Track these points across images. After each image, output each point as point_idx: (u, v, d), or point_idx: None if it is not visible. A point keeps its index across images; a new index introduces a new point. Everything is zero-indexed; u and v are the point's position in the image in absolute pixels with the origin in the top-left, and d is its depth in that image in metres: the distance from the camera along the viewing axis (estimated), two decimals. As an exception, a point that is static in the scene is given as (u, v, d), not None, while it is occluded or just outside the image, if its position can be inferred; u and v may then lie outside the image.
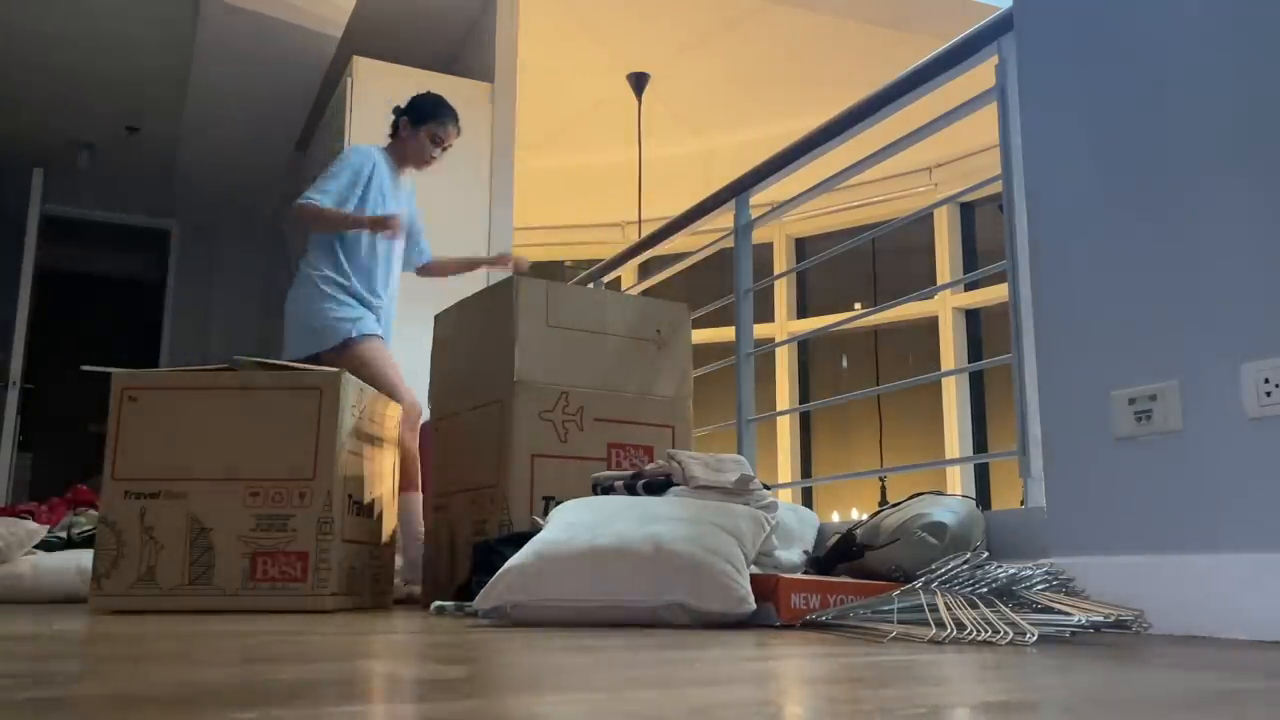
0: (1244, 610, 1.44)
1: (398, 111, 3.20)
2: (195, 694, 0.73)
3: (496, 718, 0.63)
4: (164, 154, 6.06)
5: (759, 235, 3.58)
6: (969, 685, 0.84)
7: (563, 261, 7.39)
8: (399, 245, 3.16)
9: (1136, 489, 1.64)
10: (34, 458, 6.39)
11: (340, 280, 3.02)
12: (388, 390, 2.91)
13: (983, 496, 5.89)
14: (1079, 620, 1.36)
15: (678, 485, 1.98)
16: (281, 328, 3.14)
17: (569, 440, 2.38)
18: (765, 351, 4.20)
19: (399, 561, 2.84)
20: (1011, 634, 1.29)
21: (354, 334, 2.98)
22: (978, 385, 6.10)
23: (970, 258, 6.31)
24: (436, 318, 2.80)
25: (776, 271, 6.72)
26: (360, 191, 3.03)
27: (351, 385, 2.29)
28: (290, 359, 3.00)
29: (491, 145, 4.65)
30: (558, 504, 1.99)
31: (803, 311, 6.88)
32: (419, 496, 2.92)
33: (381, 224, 2.90)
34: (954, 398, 6.04)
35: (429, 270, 3.37)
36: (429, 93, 3.25)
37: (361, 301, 3.04)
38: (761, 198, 3.11)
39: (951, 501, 2.01)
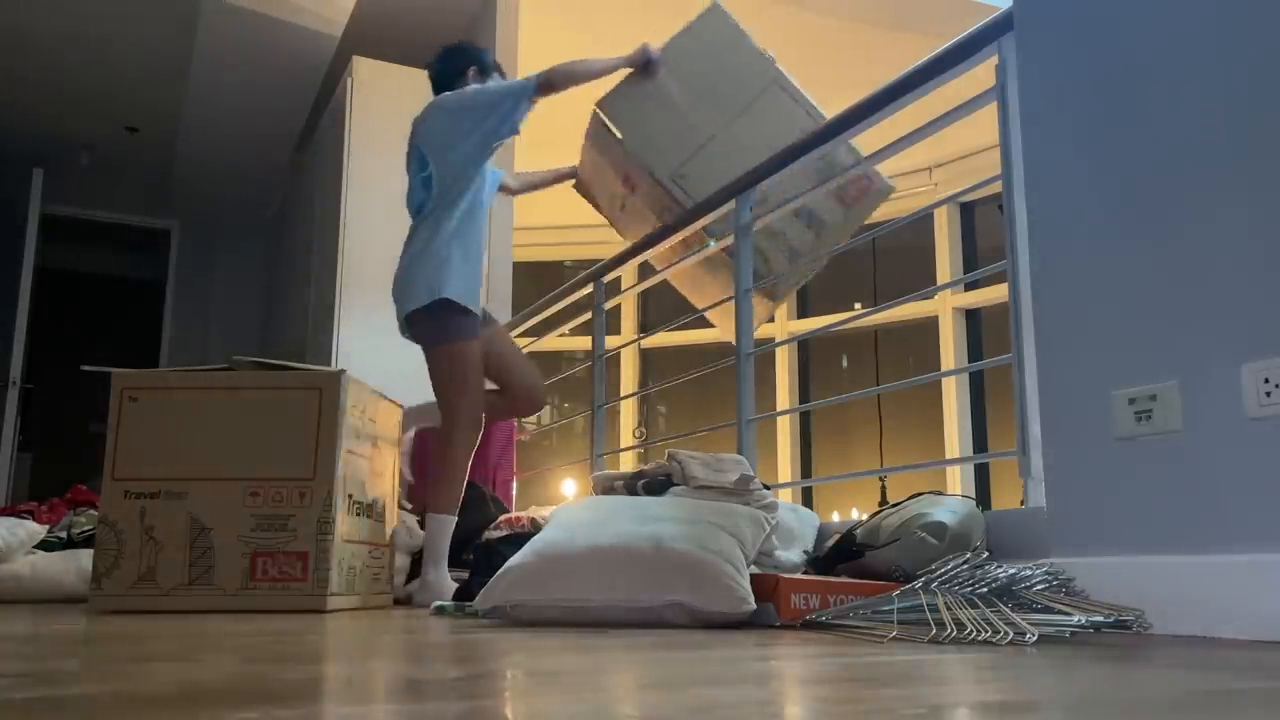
0: (1244, 610, 1.44)
1: (457, 64, 3.01)
2: (195, 694, 0.73)
3: (496, 718, 0.63)
4: (164, 154, 6.06)
5: (759, 235, 3.55)
6: (969, 685, 0.84)
7: (563, 262, 7.38)
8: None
9: (1136, 489, 1.64)
10: (34, 458, 6.39)
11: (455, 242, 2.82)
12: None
13: (983, 496, 5.89)
14: (1079, 620, 1.36)
15: (678, 485, 1.98)
16: (281, 327, 3.11)
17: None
18: (765, 351, 4.20)
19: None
20: (1011, 634, 1.29)
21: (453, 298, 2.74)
22: (978, 385, 6.10)
23: (970, 258, 6.30)
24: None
25: (776, 271, 6.71)
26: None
27: (352, 385, 2.29)
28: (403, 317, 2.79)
29: (491, 145, 4.63)
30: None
31: (803, 311, 6.88)
32: (452, 520, 2.67)
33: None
34: (954, 398, 6.04)
35: (509, 190, 3.19)
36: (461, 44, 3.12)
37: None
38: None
39: (951, 501, 2.01)
